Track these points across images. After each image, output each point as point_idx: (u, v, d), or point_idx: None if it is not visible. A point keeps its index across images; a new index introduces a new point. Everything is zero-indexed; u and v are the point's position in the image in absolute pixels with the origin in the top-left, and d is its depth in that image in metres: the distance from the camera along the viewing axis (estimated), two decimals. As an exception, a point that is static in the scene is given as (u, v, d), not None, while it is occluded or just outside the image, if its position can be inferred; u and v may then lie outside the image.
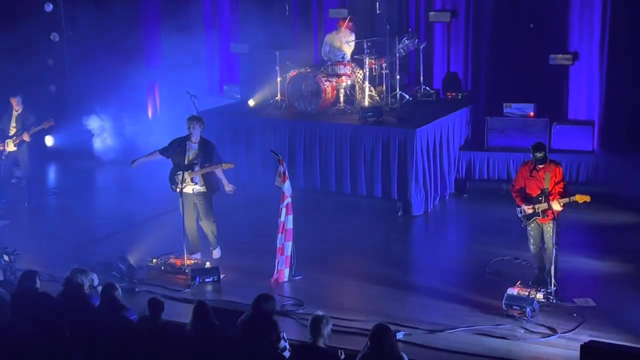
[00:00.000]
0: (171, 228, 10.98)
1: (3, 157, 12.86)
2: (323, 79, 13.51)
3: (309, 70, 13.81)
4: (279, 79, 14.10)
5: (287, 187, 10.03)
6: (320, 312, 7.18)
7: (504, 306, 9.06)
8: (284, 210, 10.01)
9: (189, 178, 10.31)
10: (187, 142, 10.34)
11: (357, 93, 13.98)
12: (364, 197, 12.86)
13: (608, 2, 13.39)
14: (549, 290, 9.25)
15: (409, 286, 10.11)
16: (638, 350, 7.57)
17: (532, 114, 13.60)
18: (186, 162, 10.31)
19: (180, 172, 10.24)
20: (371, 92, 13.85)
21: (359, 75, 13.97)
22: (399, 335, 8.29)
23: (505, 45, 14.31)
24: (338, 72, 13.75)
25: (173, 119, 14.56)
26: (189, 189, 10.39)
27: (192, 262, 10.48)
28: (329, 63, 13.91)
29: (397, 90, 14.00)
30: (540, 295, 9.17)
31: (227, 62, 16.50)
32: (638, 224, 11.85)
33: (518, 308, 8.99)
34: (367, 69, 13.68)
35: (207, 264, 10.48)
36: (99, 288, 8.21)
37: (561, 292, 9.38)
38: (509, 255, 10.75)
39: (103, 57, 15.39)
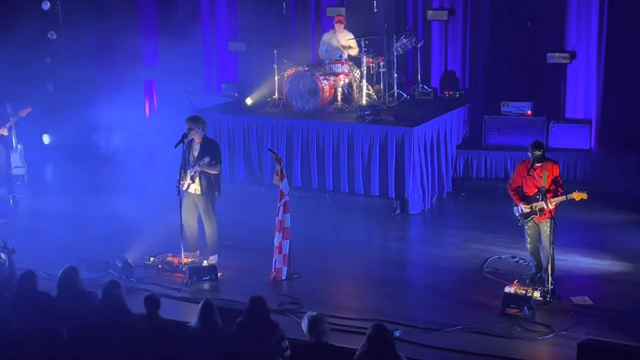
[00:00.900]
0: (169, 226, 10.95)
1: None
2: (321, 78, 13.51)
3: (306, 68, 13.81)
4: (276, 78, 14.10)
5: (284, 185, 10.03)
6: (313, 313, 7.19)
7: (501, 305, 9.07)
8: (281, 209, 10.01)
9: (189, 176, 10.32)
10: (192, 142, 10.35)
11: (355, 92, 13.97)
12: (362, 196, 12.86)
13: (605, 1, 13.40)
14: (546, 289, 9.26)
15: (406, 284, 10.12)
16: (635, 348, 7.59)
17: (529, 112, 13.62)
18: (191, 162, 10.33)
19: (184, 171, 10.26)
20: (369, 90, 13.85)
21: (356, 73, 13.97)
22: (396, 334, 8.29)
23: (503, 43, 14.33)
24: (336, 70, 13.76)
25: (171, 117, 14.56)
26: (192, 188, 10.40)
27: (190, 260, 10.48)
28: (327, 62, 13.91)
29: (395, 88, 14.01)
30: (537, 294, 9.17)
31: (224, 60, 16.48)
32: (635, 222, 11.86)
33: (515, 307, 8.99)
34: (365, 68, 13.68)
35: (205, 263, 10.48)
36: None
37: (558, 291, 9.39)
38: (506, 253, 10.76)
39: (100, 56, 15.36)
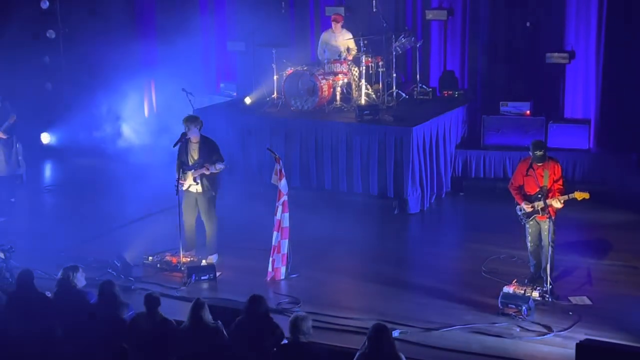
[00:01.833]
0: (167, 226, 10.97)
1: None
2: (319, 77, 13.50)
3: (305, 68, 13.80)
4: (275, 77, 14.10)
5: (283, 185, 10.02)
6: (298, 313, 7.21)
7: (499, 304, 9.07)
8: (280, 208, 10.00)
9: (192, 178, 10.31)
10: (189, 143, 10.35)
11: (354, 91, 13.97)
12: (360, 195, 12.85)
13: (604, 0, 13.41)
14: (544, 289, 9.26)
15: (404, 284, 10.11)
16: (634, 348, 7.60)
17: (528, 112, 13.61)
18: (190, 162, 10.32)
19: (183, 171, 10.26)
20: (368, 90, 13.85)
21: (355, 73, 13.96)
22: (395, 334, 8.29)
23: (502, 43, 14.34)
24: (334, 70, 13.75)
25: (169, 117, 14.56)
26: (193, 188, 10.39)
27: (189, 259, 10.48)
28: (326, 61, 13.91)
29: (394, 88, 14.01)
30: (536, 294, 9.18)
31: (223, 59, 16.48)
32: (633, 223, 11.86)
33: (514, 306, 8.99)
34: (364, 67, 13.67)
35: (203, 262, 10.48)
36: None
37: (557, 291, 9.40)
38: (504, 253, 10.76)
39: (99, 55, 15.37)
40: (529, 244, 9.72)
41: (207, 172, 10.27)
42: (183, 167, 10.31)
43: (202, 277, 10.10)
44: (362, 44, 13.71)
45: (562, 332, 8.63)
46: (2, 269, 9.62)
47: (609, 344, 7.70)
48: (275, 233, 10.04)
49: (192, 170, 10.29)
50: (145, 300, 7.68)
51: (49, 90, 15.58)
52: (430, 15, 14.72)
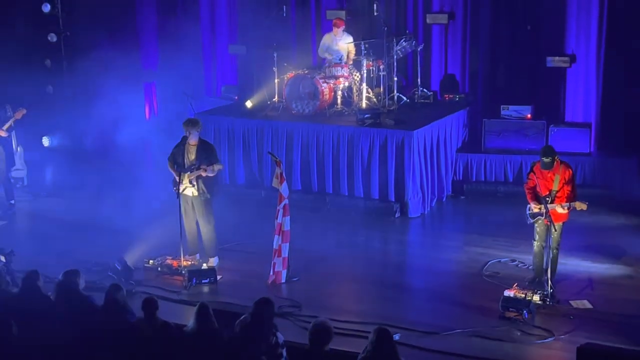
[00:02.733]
0: (168, 229, 10.95)
1: None
2: (321, 81, 13.50)
3: (306, 71, 13.80)
4: (276, 81, 14.09)
5: (284, 188, 10.03)
6: (319, 319, 7.15)
7: (500, 308, 9.07)
8: (280, 212, 10.01)
9: (188, 180, 10.30)
10: (186, 145, 10.34)
11: (355, 95, 13.97)
12: (361, 199, 12.85)
13: (605, 4, 13.41)
14: (545, 293, 9.25)
15: (405, 288, 10.12)
16: (634, 352, 7.59)
17: (529, 116, 13.61)
18: (186, 163, 10.31)
19: (179, 174, 10.25)
20: (369, 94, 13.84)
21: (356, 77, 13.96)
22: (395, 337, 8.26)
23: (503, 47, 14.32)
24: (335, 73, 13.75)
25: (170, 120, 14.57)
26: (188, 190, 10.39)
27: (189, 263, 10.47)
28: (327, 65, 13.91)
29: (395, 92, 13.99)
30: (536, 298, 9.17)
31: (224, 63, 16.47)
32: (635, 226, 11.86)
33: (515, 310, 9.00)
34: (365, 71, 13.67)
35: (204, 265, 10.47)
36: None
37: (558, 295, 9.39)
38: (505, 257, 10.76)
39: (100, 58, 15.36)
40: (535, 242, 9.71)
41: (204, 174, 10.26)
42: (179, 169, 10.30)
43: (203, 281, 10.10)
44: (363, 48, 13.71)
45: (563, 336, 8.63)
46: (2, 273, 9.60)
47: (610, 348, 7.68)
48: (276, 236, 10.04)
49: (189, 172, 10.28)
50: (144, 304, 7.66)
51: (50, 93, 15.57)
52: (431, 19, 14.72)
